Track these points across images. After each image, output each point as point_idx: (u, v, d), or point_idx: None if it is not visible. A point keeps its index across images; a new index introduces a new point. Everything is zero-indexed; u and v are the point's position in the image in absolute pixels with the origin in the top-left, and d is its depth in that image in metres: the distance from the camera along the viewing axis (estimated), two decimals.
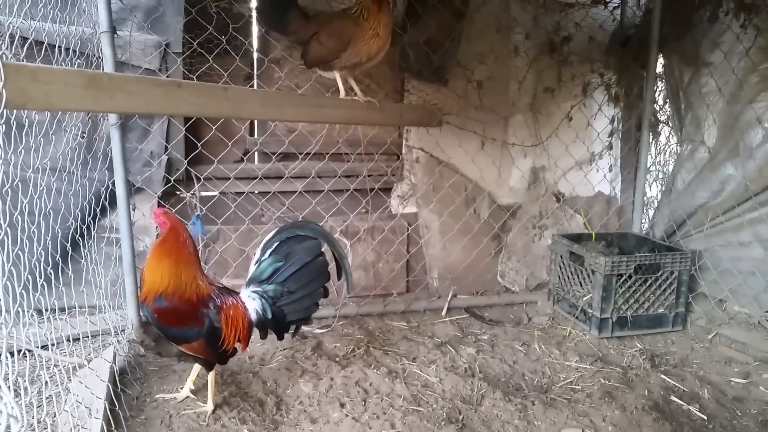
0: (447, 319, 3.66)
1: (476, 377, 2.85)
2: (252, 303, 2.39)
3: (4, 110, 1.35)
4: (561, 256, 3.74)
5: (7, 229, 1.36)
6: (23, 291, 1.70)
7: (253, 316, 2.38)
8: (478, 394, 2.68)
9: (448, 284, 3.90)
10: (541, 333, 3.47)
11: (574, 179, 4.24)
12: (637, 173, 4.09)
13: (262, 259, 2.46)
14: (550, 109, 4.14)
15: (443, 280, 3.94)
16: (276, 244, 2.46)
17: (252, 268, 2.48)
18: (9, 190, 1.45)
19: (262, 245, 2.48)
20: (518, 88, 4.06)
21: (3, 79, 1.26)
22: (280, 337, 2.49)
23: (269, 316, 2.39)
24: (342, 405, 2.52)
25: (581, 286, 3.55)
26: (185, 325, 2.22)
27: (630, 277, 3.34)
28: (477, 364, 3.02)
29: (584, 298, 3.49)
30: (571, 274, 3.63)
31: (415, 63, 3.67)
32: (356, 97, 2.81)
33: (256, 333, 2.44)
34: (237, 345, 2.36)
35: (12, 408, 0.85)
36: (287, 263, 2.44)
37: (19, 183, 1.57)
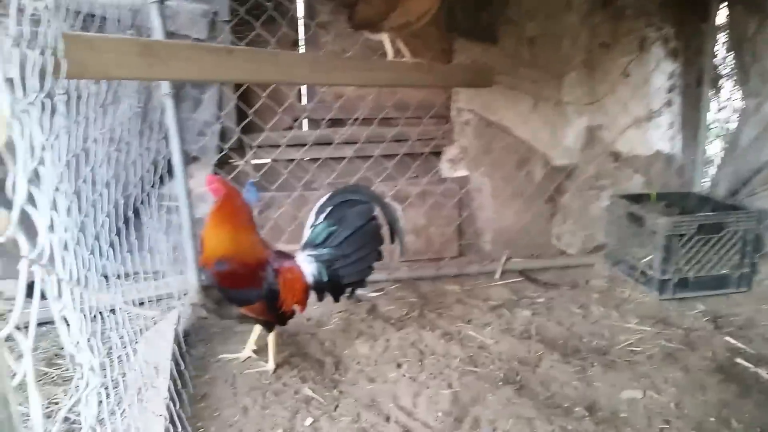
0: (501, 282, 3.62)
1: (533, 339, 2.82)
2: (308, 266, 2.43)
3: (65, 80, 1.39)
4: (619, 217, 3.63)
5: (74, 196, 1.41)
6: (90, 256, 1.77)
7: (310, 279, 2.42)
8: (535, 356, 2.65)
9: (501, 248, 3.85)
10: (599, 295, 3.39)
11: (632, 138, 4.06)
12: (698, 130, 3.90)
13: (317, 223, 2.49)
14: (605, 66, 3.95)
15: (496, 243, 3.89)
16: (329, 209, 2.48)
17: (307, 233, 2.51)
18: (73, 159, 1.50)
19: (315, 210, 2.51)
20: (572, 44, 3.88)
21: (63, 48, 1.29)
22: (337, 300, 2.53)
23: (325, 279, 2.43)
24: (399, 365, 2.55)
25: (641, 247, 3.44)
26: (245, 287, 2.28)
27: (692, 237, 3.21)
28: (533, 327, 2.98)
29: (644, 260, 3.38)
30: (630, 235, 3.52)
31: (463, 22, 3.57)
32: (404, 59, 2.76)
33: (313, 296, 2.48)
34: (295, 307, 2.41)
35: (91, 363, 0.88)
36: (341, 227, 2.47)
37: (80, 153, 1.63)
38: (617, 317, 3.08)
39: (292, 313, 2.44)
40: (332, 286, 2.47)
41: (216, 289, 2.30)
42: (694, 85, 4.01)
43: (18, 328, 0.64)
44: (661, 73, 3.98)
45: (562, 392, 2.39)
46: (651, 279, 3.33)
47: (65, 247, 1.09)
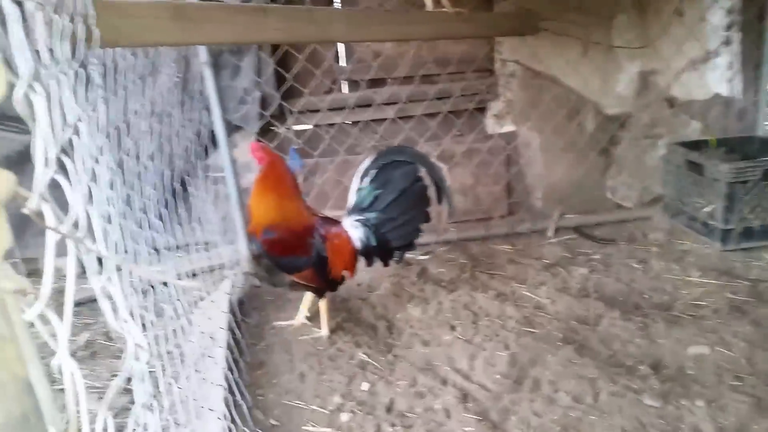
0: (554, 240, 3.51)
1: (591, 297, 2.73)
2: (355, 231, 2.39)
3: (99, 50, 1.35)
4: (677, 166, 3.45)
5: (117, 168, 1.38)
6: (139, 229, 1.77)
7: (358, 244, 2.38)
8: (594, 314, 2.57)
9: (553, 204, 3.72)
10: (659, 249, 3.26)
11: (688, 81, 3.81)
12: (760, 70, 3.62)
13: (362, 186, 2.44)
14: (657, 5, 3.68)
15: (548, 200, 3.75)
16: (374, 172, 2.42)
17: (352, 197, 2.46)
18: (116, 132, 1.47)
19: (360, 173, 2.45)
20: None
21: (94, 16, 1.24)
22: (386, 264, 2.49)
23: (374, 243, 2.38)
24: (452, 327, 2.50)
25: (701, 196, 3.26)
26: (294, 254, 2.26)
27: (756, 183, 3.02)
28: (590, 284, 2.89)
29: (705, 210, 3.22)
30: (690, 184, 3.35)
31: None
32: (444, 10, 2.62)
33: (362, 261, 2.44)
34: (345, 273, 2.38)
35: (139, 338, 0.85)
36: (387, 190, 2.41)
37: (120, 125, 1.60)
38: (678, 271, 2.96)
39: (341, 279, 2.42)
40: (381, 250, 2.43)
41: (266, 257, 2.28)
42: (756, 20, 3.71)
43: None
44: (718, 9, 3.68)
45: (624, 350, 2.31)
46: (713, 230, 3.17)
47: (109, 220, 1.06)
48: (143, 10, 1.48)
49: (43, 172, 0.56)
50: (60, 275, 0.54)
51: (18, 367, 0.52)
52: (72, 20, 1.04)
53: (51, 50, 0.84)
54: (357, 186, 2.46)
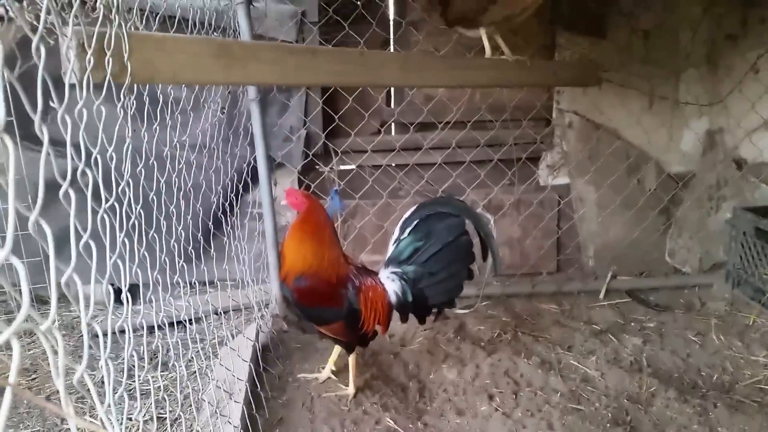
0: (605, 302, 3.28)
1: (644, 372, 2.52)
2: (391, 284, 2.24)
3: (133, 84, 1.28)
4: (744, 233, 3.20)
5: (140, 210, 1.29)
6: (162, 272, 1.67)
7: (393, 299, 2.23)
8: (647, 393, 2.35)
9: (606, 264, 3.48)
10: (718, 321, 3.02)
11: (760, 142, 3.56)
12: None
13: (401, 238, 2.30)
14: (731, 61, 3.50)
15: (600, 259, 3.52)
16: (416, 222, 2.29)
17: (391, 248, 2.33)
18: (144, 168, 1.39)
19: (401, 223, 2.32)
20: (692, 36, 3.47)
21: (128, 51, 1.17)
22: (422, 321, 2.33)
23: (410, 298, 2.23)
24: (491, 397, 2.30)
25: None
26: (325, 305, 2.14)
27: None
28: (644, 357, 2.67)
29: None
30: (758, 253, 3.12)
31: (568, 13, 3.25)
32: (503, 56, 2.50)
33: (396, 316, 2.29)
34: (377, 327, 2.23)
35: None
36: (428, 243, 2.26)
37: (155, 161, 1.53)
38: (741, 348, 2.75)
39: (373, 334, 2.26)
40: (417, 306, 2.26)
41: (295, 306, 2.16)
42: None
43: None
44: None
45: None
46: None
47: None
48: (183, 45, 1.41)
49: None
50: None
51: None
52: (96, 51, 0.95)
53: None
54: (397, 236, 2.32)
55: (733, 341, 2.79)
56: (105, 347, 0.80)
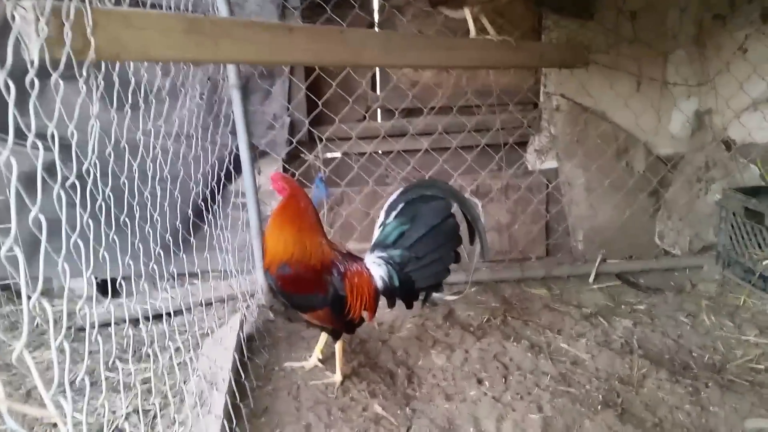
0: (595, 286, 3.27)
1: (635, 354, 2.51)
2: (377, 269, 2.20)
3: (101, 64, 1.22)
4: (734, 213, 3.20)
5: (109, 193, 1.24)
6: (136, 260, 1.62)
7: (379, 284, 2.19)
8: (638, 374, 2.34)
9: (595, 247, 3.47)
10: (709, 302, 3.02)
11: (748, 123, 3.55)
12: None
13: (387, 222, 2.25)
14: (719, 41, 3.47)
15: (590, 242, 3.50)
16: (401, 206, 2.23)
17: (376, 232, 2.28)
18: (113, 153, 1.34)
19: (386, 207, 2.27)
20: (680, 16, 3.44)
21: (91, 25, 1.11)
22: (409, 306, 2.28)
23: (396, 283, 2.19)
24: (479, 381, 2.28)
25: (760, 247, 3.05)
26: (310, 292, 2.09)
27: None
28: (634, 339, 2.66)
29: (764, 262, 2.99)
30: (747, 233, 3.13)
31: None
32: (489, 36, 2.45)
33: (384, 302, 2.25)
34: (363, 314, 2.19)
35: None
36: (414, 226, 2.21)
37: (126, 145, 1.47)
38: (732, 328, 2.77)
39: (360, 321, 2.22)
40: (404, 290, 2.22)
41: (280, 294, 2.12)
42: None
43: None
44: None
45: (672, 418, 2.09)
46: None
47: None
48: (152, 21, 1.35)
49: None
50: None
51: None
52: (47, 24, 0.90)
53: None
54: (382, 220, 2.27)
55: (724, 322, 2.80)
56: (59, 328, 0.75)
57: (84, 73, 1.12)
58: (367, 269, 2.19)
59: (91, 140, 1.13)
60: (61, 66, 0.98)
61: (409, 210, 2.22)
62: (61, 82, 0.96)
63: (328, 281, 2.09)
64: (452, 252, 2.24)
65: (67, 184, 0.92)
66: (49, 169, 0.93)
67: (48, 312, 0.70)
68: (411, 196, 2.23)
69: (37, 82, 0.85)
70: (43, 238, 0.72)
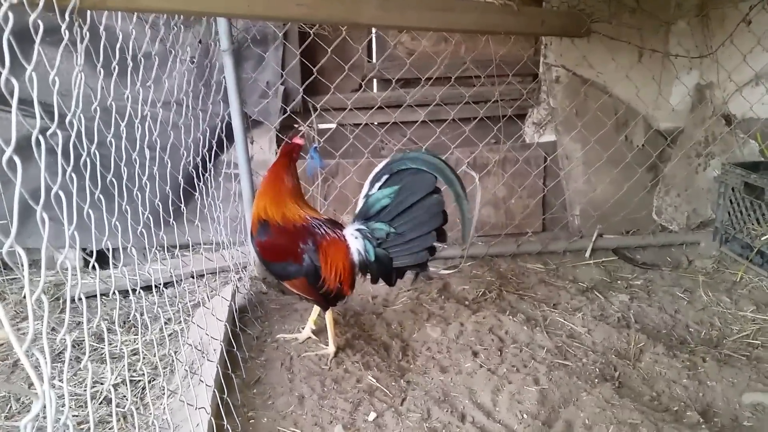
0: (591, 261, 3.25)
1: (632, 328, 2.50)
2: (354, 242, 2.09)
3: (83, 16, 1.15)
4: (733, 189, 3.17)
5: (87, 159, 1.18)
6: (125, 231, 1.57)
7: (356, 257, 2.08)
8: (635, 348, 2.33)
9: (592, 222, 3.43)
10: (706, 278, 3.02)
11: (750, 97, 3.50)
12: None
13: (370, 193, 2.11)
14: (723, 11, 3.40)
15: (586, 217, 3.46)
16: (386, 177, 2.08)
17: (360, 202, 2.15)
18: (100, 121, 1.27)
19: (371, 177, 2.13)
20: None
21: None
22: (389, 283, 2.15)
23: (372, 258, 2.07)
24: (475, 354, 2.25)
25: (758, 223, 3.03)
26: (284, 260, 2.05)
27: None
28: (631, 313, 2.65)
29: (763, 237, 2.98)
30: (746, 209, 3.10)
31: None
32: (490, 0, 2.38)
33: (365, 277, 2.15)
34: (340, 287, 2.10)
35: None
36: (396, 200, 2.05)
37: (116, 114, 1.40)
38: (729, 303, 2.77)
39: (339, 294, 2.13)
40: (380, 266, 2.08)
41: (260, 260, 2.09)
42: None
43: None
44: None
45: (669, 392, 2.10)
46: None
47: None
48: None
49: None
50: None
51: None
52: None
53: None
54: (366, 191, 2.14)
55: (721, 297, 2.80)
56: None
57: (66, 19, 1.05)
58: (345, 240, 2.10)
59: (74, 90, 1.06)
60: (41, 4, 0.91)
61: (393, 182, 2.08)
62: (40, 23, 0.89)
63: (303, 250, 2.04)
64: (434, 231, 2.04)
65: (48, 132, 0.85)
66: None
67: (23, 257, 0.65)
68: (396, 168, 2.07)
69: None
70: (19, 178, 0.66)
